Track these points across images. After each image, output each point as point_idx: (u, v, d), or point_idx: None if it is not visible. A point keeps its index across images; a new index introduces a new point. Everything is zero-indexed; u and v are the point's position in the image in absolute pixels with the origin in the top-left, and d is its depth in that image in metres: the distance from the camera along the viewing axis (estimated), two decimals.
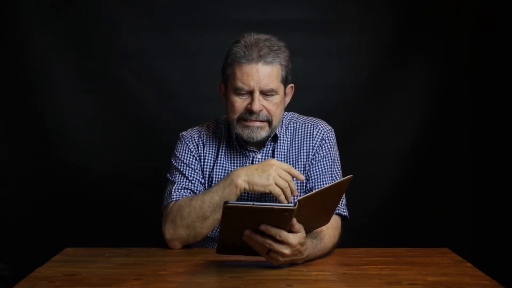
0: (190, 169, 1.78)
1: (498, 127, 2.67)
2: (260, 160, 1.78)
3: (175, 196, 1.72)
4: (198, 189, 1.76)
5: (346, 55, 2.69)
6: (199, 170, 1.79)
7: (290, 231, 1.38)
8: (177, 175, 1.78)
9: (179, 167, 1.79)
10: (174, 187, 1.75)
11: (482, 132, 2.69)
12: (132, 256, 1.60)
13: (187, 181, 1.76)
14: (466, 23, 2.66)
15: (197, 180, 1.77)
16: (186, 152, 1.81)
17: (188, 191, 1.74)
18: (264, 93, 1.68)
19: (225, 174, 1.77)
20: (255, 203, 1.31)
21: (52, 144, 2.70)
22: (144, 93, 2.70)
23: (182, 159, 1.80)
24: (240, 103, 1.69)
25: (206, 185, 1.78)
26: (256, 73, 1.65)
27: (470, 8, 2.65)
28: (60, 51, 2.65)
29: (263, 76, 1.66)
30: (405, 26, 2.68)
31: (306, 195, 1.36)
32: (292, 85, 1.79)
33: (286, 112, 1.86)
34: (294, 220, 1.37)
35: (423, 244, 1.72)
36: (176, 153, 1.82)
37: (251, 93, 1.67)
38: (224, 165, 1.79)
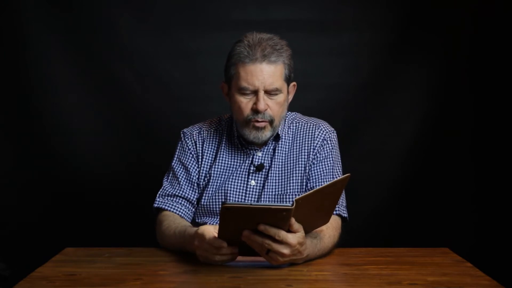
0: (185, 170, 1.81)
1: (498, 127, 2.67)
2: (260, 158, 1.78)
3: (157, 202, 1.80)
4: (185, 194, 1.78)
5: (346, 55, 2.69)
6: (194, 170, 1.81)
7: (289, 230, 1.38)
8: (169, 177, 1.84)
9: (175, 167, 1.83)
10: (160, 192, 1.82)
11: (482, 132, 2.69)
12: (132, 256, 1.60)
13: (176, 185, 1.80)
14: (466, 23, 2.66)
15: (188, 183, 1.80)
16: (185, 150, 1.83)
17: (171, 198, 1.79)
18: (269, 93, 1.68)
19: (226, 170, 1.79)
20: (252, 203, 1.31)
21: (52, 144, 2.70)
22: (144, 93, 2.70)
23: (179, 157, 1.84)
24: (245, 103, 1.70)
25: (202, 182, 1.79)
26: (260, 72, 1.66)
27: (470, 7, 2.65)
28: (60, 51, 2.65)
29: (268, 75, 1.66)
30: (405, 26, 2.68)
31: (304, 194, 1.36)
32: (294, 83, 1.79)
33: (290, 112, 1.87)
34: (293, 220, 1.37)
35: (423, 244, 1.72)
36: (176, 152, 1.86)
37: (255, 93, 1.68)
38: (225, 161, 1.80)
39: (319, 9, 2.70)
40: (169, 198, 1.79)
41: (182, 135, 1.87)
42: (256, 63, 1.66)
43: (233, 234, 1.38)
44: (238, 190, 1.76)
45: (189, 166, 1.81)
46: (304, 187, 1.76)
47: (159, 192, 1.81)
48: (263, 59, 1.66)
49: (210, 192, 1.78)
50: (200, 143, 1.83)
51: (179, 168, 1.82)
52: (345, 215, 1.74)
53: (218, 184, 1.78)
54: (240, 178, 1.77)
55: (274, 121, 1.72)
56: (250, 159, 1.79)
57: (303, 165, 1.77)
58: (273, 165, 1.78)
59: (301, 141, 1.80)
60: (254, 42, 1.67)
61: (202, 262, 1.47)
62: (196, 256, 1.49)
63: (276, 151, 1.79)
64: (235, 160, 1.80)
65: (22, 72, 2.67)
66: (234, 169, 1.79)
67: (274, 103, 1.70)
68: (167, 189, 1.81)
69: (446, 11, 2.66)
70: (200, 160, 1.82)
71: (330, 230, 1.62)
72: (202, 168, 1.81)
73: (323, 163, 1.77)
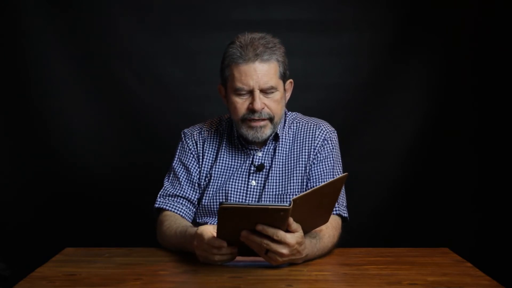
0: (186, 170, 1.81)
1: (499, 126, 2.67)
2: (260, 158, 1.78)
3: (158, 202, 1.79)
4: (186, 194, 1.79)
5: (346, 55, 2.69)
6: (195, 170, 1.81)
7: (288, 230, 1.38)
8: (170, 177, 1.84)
9: (175, 167, 1.83)
10: (161, 192, 1.82)
11: (482, 132, 2.69)
12: (132, 256, 1.60)
13: (177, 185, 1.80)
14: (466, 23, 2.66)
15: (189, 183, 1.80)
16: (186, 150, 1.83)
17: (172, 198, 1.79)
18: (264, 91, 1.68)
19: (226, 170, 1.79)
20: (250, 203, 1.30)
21: (52, 144, 2.70)
22: (144, 93, 2.70)
23: (180, 157, 1.84)
24: (241, 103, 1.70)
25: (202, 182, 1.79)
26: (254, 72, 1.66)
27: (470, 7, 2.65)
28: (60, 51, 2.66)
29: (262, 74, 1.66)
30: (405, 25, 2.68)
31: (301, 194, 1.36)
32: (291, 80, 1.79)
33: (290, 112, 1.87)
34: (291, 220, 1.37)
35: (423, 244, 1.72)
36: (176, 152, 1.86)
37: (251, 92, 1.68)
38: (226, 161, 1.81)
39: (319, 9, 2.70)
40: (170, 198, 1.79)
41: (182, 135, 1.87)
42: (249, 63, 1.66)
43: (232, 234, 1.38)
44: (238, 190, 1.76)
45: (190, 166, 1.81)
46: (304, 187, 1.76)
47: (160, 192, 1.81)
48: (255, 58, 1.65)
49: (211, 192, 1.78)
50: (201, 143, 1.83)
51: (180, 168, 1.82)
52: (345, 215, 1.74)
53: (218, 184, 1.78)
54: (240, 179, 1.77)
55: (274, 118, 1.72)
56: (251, 159, 1.79)
57: (303, 165, 1.77)
58: (273, 165, 1.78)
59: (301, 141, 1.80)
60: (246, 42, 1.67)
61: (202, 262, 1.47)
62: (196, 256, 1.49)
63: (277, 151, 1.79)
64: (236, 161, 1.80)
65: (22, 72, 2.67)
66: (234, 169, 1.79)
67: (271, 101, 1.70)
68: (168, 189, 1.81)
69: (446, 11, 2.65)
70: (200, 160, 1.82)
71: (330, 229, 1.62)
72: (202, 168, 1.81)
73: (323, 163, 1.77)
